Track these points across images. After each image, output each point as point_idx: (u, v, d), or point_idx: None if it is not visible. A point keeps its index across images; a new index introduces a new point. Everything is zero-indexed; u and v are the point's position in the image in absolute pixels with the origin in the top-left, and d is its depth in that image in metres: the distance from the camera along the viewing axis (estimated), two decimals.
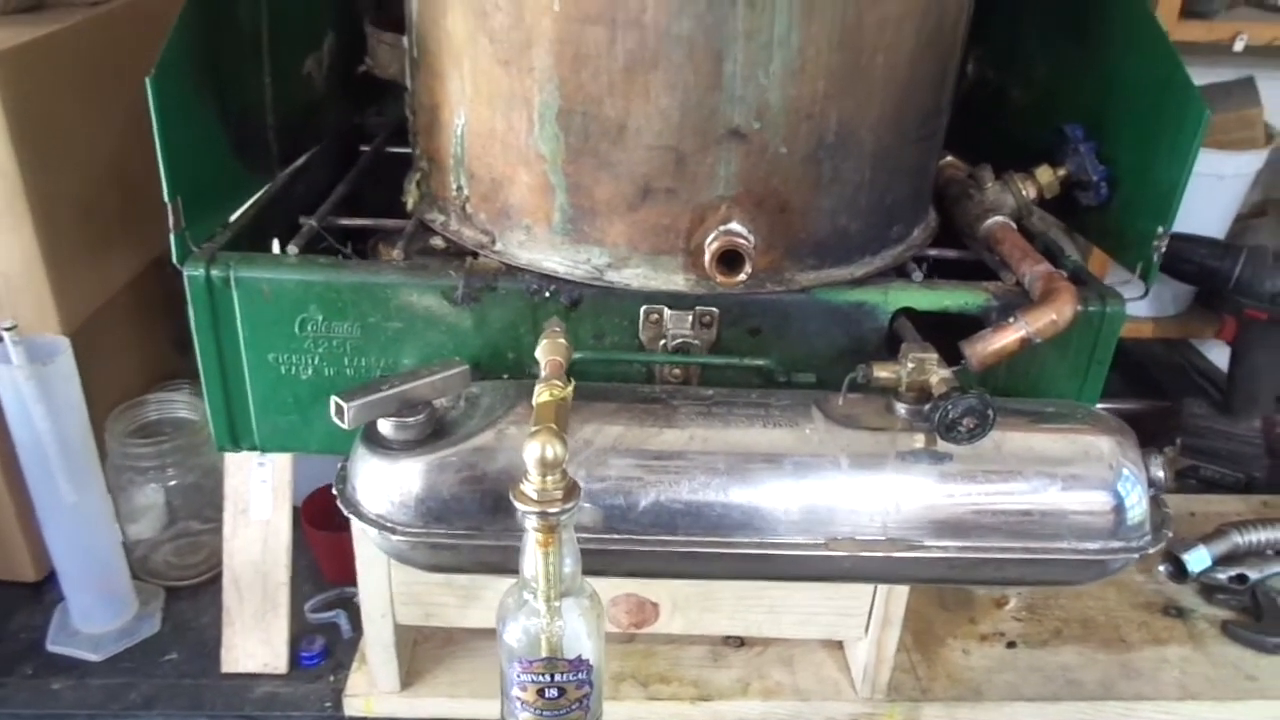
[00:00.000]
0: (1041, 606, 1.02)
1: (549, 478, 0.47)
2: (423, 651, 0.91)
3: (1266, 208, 1.51)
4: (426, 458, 0.58)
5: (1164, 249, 0.68)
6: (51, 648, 0.95)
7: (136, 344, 1.12)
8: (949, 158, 0.80)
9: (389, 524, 0.58)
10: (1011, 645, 0.97)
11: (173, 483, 1.01)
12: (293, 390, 0.68)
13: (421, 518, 0.58)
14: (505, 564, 0.58)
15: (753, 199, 0.60)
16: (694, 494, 0.58)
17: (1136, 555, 0.61)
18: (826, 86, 0.58)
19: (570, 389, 0.52)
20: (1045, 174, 0.74)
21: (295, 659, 0.94)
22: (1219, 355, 1.46)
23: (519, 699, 0.50)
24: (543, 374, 0.54)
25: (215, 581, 1.02)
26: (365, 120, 0.95)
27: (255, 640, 0.93)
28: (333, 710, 0.90)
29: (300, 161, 0.83)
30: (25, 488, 0.92)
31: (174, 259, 0.65)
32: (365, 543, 0.80)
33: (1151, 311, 1.41)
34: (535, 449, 0.46)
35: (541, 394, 0.51)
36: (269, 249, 0.73)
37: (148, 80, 0.59)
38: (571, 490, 0.48)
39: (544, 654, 0.49)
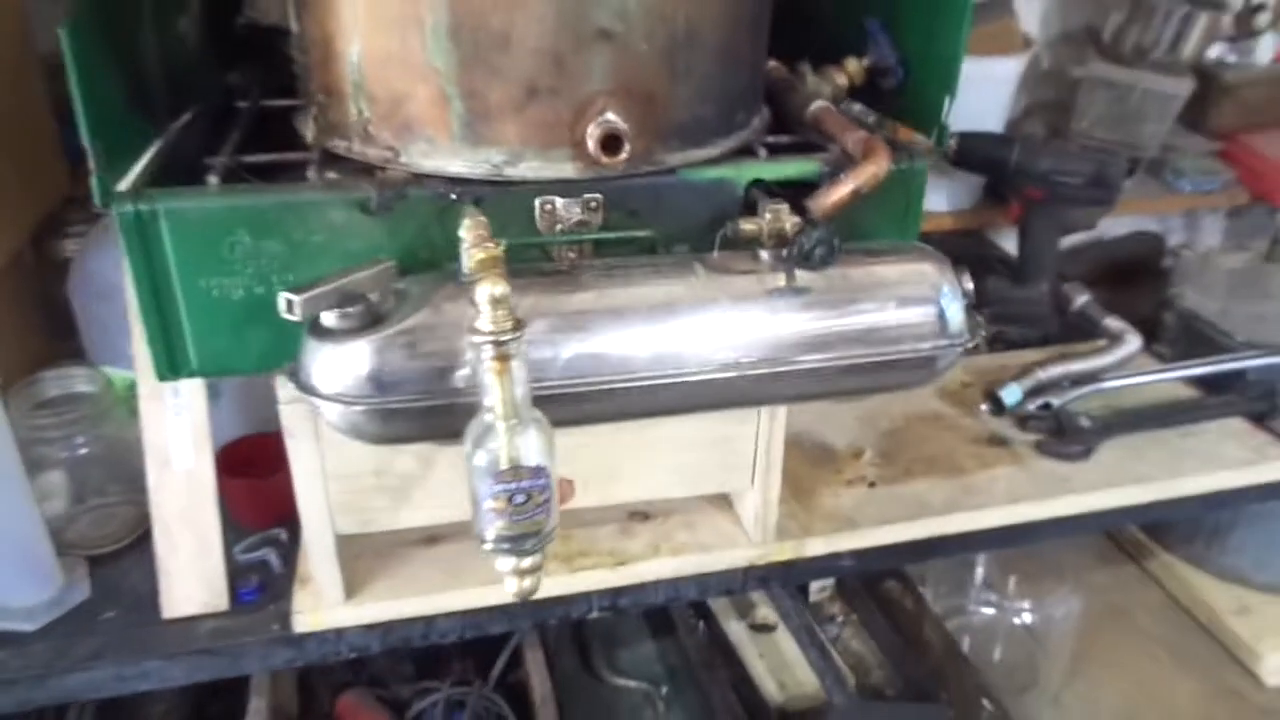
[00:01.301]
0: (892, 453, 1.19)
1: (499, 311, 0.57)
2: (359, 565, 0.98)
3: (1032, 109, 1.75)
4: (375, 337, 0.67)
5: (950, 112, 0.83)
6: None
7: (11, 331, 1.13)
8: (774, 63, 0.94)
9: (347, 399, 0.67)
10: (872, 485, 1.13)
11: (83, 451, 1.04)
12: (226, 312, 0.74)
13: (376, 389, 0.67)
14: (451, 425, 0.68)
15: (623, 91, 0.71)
16: (609, 341, 0.69)
17: (960, 350, 0.77)
18: None
19: (503, 246, 0.62)
20: (852, 64, 0.89)
21: (234, 597, 0.99)
22: (1009, 242, 1.69)
23: (491, 509, 0.60)
24: (471, 243, 0.64)
25: (136, 545, 1.06)
26: (230, 82, 1.00)
27: (193, 584, 0.98)
28: (281, 631, 0.96)
29: (186, 117, 0.88)
30: None
31: (96, 200, 0.70)
32: (299, 455, 0.86)
33: (950, 206, 1.62)
34: (486, 289, 0.56)
35: (477, 254, 0.61)
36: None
37: (62, 29, 0.64)
38: (518, 322, 0.58)
39: (507, 467, 0.59)
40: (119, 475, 1.08)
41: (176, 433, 0.96)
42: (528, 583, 0.65)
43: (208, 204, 0.71)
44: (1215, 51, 1.77)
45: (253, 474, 1.07)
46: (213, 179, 0.73)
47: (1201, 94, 1.69)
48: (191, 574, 0.98)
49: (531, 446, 0.60)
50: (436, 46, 0.69)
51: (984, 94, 1.46)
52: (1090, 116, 1.65)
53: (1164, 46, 1.62)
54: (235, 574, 1.01)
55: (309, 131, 0.80)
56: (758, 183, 0.80)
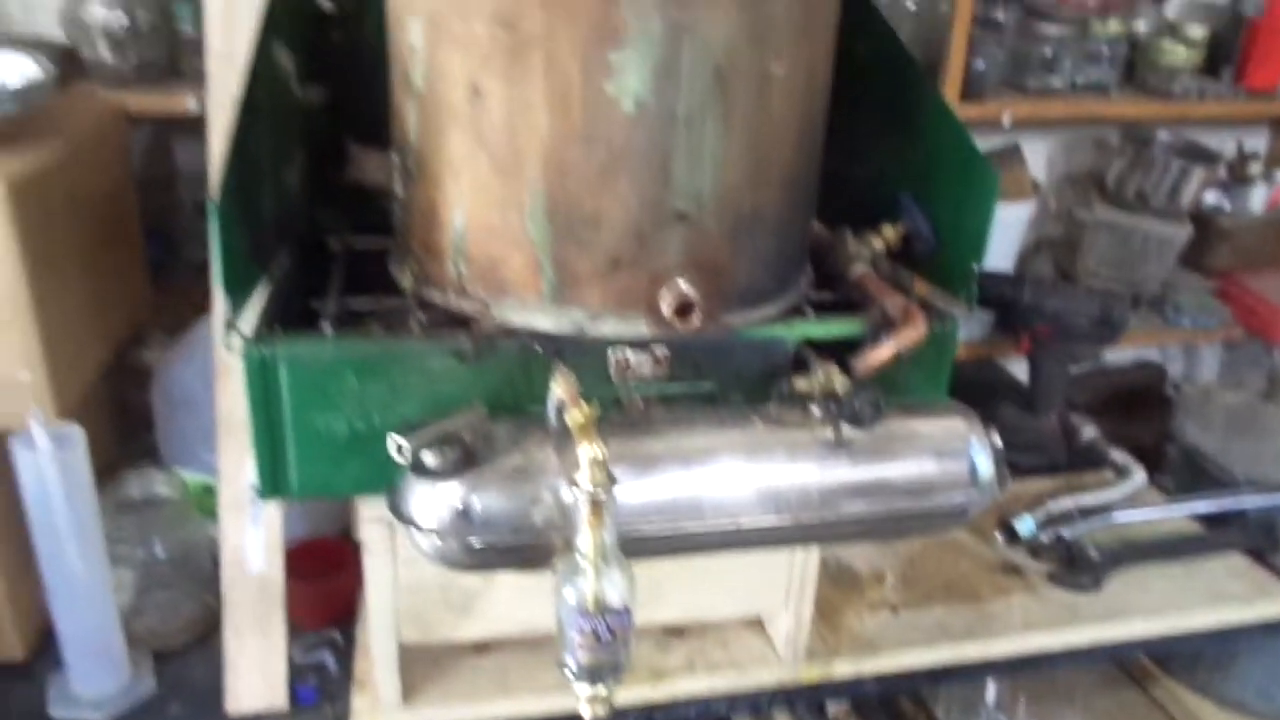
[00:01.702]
0: (913, 578, 1.26)
1: (597, 472, 0.65)
2: (414, 671, 1.04)
3: (1040, 245, 1.86)
4: (469, 476, 0.75)
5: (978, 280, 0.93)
6: (55, 714, 1.02)
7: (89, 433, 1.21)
8: (816, 224, 1.04)
9: (441, 532, 0.74)
10: (894, 609, 1.20)
11: (156, 551, 1.10)
12: (329, 443, 0.82)
13: (468, 525, 0.74)
14: (533, 559, 0.76)
15: (694, 265, 0.81)
16: (679, 485, 0.77)
17: (989, 500, 0.85)
18: (742, 179, 0.80)
19: (597, 408, 0.70)
20: (889, 231, 0.99)
21: (293, 696, 1.05)
22: (1017, 369, 1.79)
23: (576, 642, 0.67)
24: (565, 402, 0.72)
25: (201, 642, 1.12)
26: (319, 218, 1.10)
27: (258, 682, 1.04)
28: None
29: (286, 259, 0.98)
30: (13, 569, 1.01)
31: (224, 345, 0.79)
32: (375, 569, 0.93)
33: (963, 337, 1.71)
34: (588, 450, 0.64)
35: (576, 416, 0.69)
36: (282, 328, 0.86)
37: (211, 204, 0.74)
38: (611, 479, 0.66)
39: (594, 607, 0.67)
40: (185, 573, 1.15)
41: (253, 540, 1.04)
42: (601, 709, 0.71)
43: (323, 352, 0.80)
44: (1211, 198, 1.90)
45: (311, 576, 1.14)
46: (326, 326, 0.82)
47: (1199, 237, 1.81)
48: (257, 672, 1.04)
49: (616, 588, 0.67)
50: (534, 223, 0.79)
51: (996, 237, 1.56)
52: (1095, 256, 1.76)
53: (1164, 194, 1.73)
54: (293, 673, 1.07)
55: (405, 279, 0.89)
56: (805, 339, 0.89)
